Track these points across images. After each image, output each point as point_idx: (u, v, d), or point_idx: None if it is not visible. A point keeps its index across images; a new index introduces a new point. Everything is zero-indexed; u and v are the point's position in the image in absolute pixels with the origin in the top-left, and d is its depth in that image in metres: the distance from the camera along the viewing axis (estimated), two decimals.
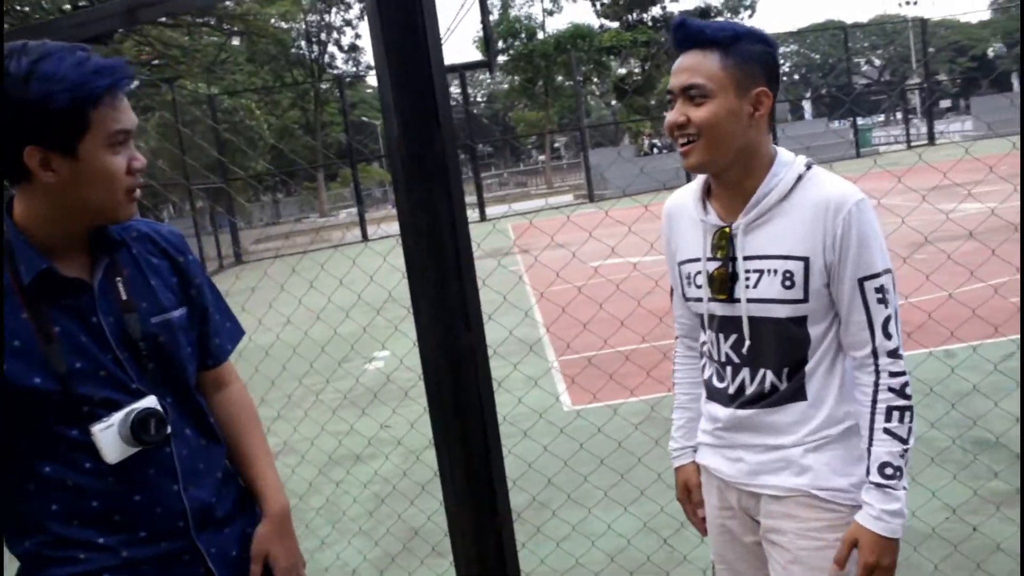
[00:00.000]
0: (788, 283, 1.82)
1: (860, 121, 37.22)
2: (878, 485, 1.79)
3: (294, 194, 53.87)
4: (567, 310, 5.52)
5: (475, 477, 2.09)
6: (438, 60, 2.14)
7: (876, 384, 1.82)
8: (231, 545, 1.80)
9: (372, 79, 60.70)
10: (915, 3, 69.19)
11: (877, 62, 75.31)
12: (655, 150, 36.85)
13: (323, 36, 50.59)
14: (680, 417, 2.23)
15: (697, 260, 1.97)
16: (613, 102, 55.32)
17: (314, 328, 5.43)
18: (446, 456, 2.11)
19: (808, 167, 1.87)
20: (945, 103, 71.09)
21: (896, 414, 1.80)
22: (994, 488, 3.96)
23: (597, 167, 32.35)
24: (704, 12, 45.51)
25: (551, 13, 48.28)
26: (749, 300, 1.87)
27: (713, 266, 1.92)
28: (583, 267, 6.84)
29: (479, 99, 71.88)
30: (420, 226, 2.11)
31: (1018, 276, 7.43)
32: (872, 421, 1.82)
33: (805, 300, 1.82)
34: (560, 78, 46.60)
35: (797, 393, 1.89)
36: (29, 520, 1.63)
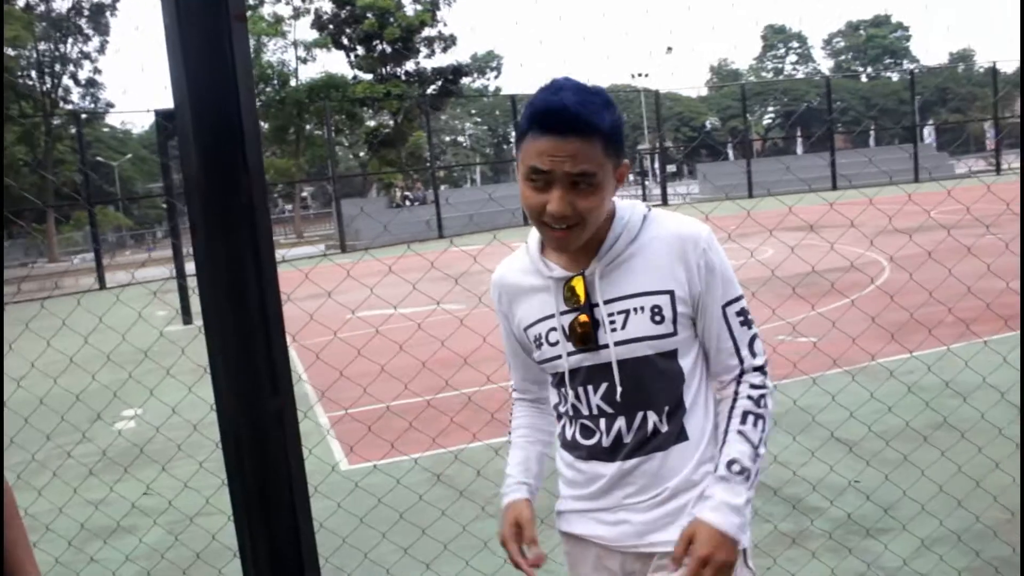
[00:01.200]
0: (658, 318, 1.82)
1: None
2: (722, 478, 1.79)
3: (18, 236, 49.61)
4: (331, 365, 5.29)
5: (282, 562, 1.87)
6: (248, 97, 1.94)
7: (735, 393, 1.86)
8: None
9: (111, 117, 57.34)
10: (646, 75, 74.61)
11: None
12: (407, 202, 37.11)
13: (57, 67, 47.25)
14: (516, 455, 2.10)
15: (548, 318, 1.91)
16: (362, 153, 55.35)
17: (54, 385, 4.85)
18: (248, 538, 1.87)
19: (648, 208, 1.90)
20: (671, 168, 77.14)
21: (751, 418, 1.83)
22: (784, 528, 4.21)
23: (348, 217, 32.14)
24: (456, 69, 46.57)
25: (304, 61, 47.64)
26: (617, 343, 1.83)
27: (569, 318, 1.87)
28: (342, 318, 6.63)
29: None
30: (220, 279, 1.88)
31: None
32: (728, 424, 1.84)
33: (674, 333, 1.83)
34: (309, 127, 46.13)
35: (680, 434, 1.86)
36: None
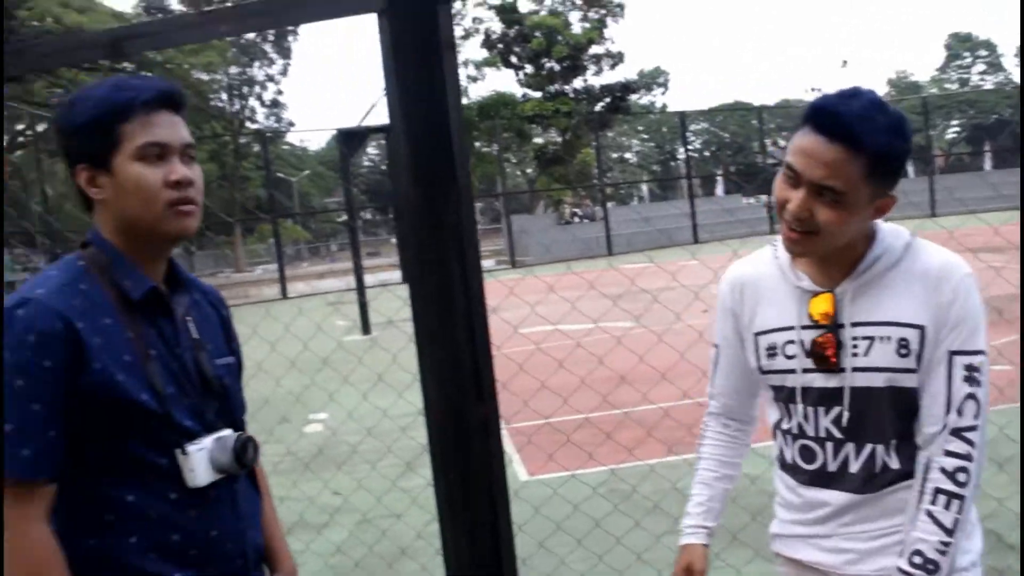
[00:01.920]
0: (904, 351, 1.72)
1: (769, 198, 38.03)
2: (903, 572, 1.68)
3: (207, 248, 52.97)
4: (533, 376, 5.41)
5: (482, 562, 1.94)
6: (457, 116, 2.03)
7: (927, 464, 1.71)
8: None
9: (291, 136, 60.35)
10: (820, 90, 72.10)
11: (782, 143, 78.37)
12: (576, 219, 37.32)
13: (244, 89, 50.20)
14: (701, 494, 2.06)
15: (787, 329, 1.83)
16: (529, 170, 56.01)
17: (251, 386, 5.18)
18: (450, 537, 1.96)
19: (912, 236, 1.81)
20: None
21: (943, 499, 1.67)
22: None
23: (518, 233, 32.63)
24: (625, 86, 46.53)
25: (475, 80, 48.80)
26: (856, 369, 1.75)
27: (811, 334, 1.80)
28: (519, 332, 6.75)
29: None
30: (430, 290, 1.98)
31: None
32: (919, 500, 1.70)
33: (916, 370, 1.73)
34: (479, 144, 47.04)
35: (909, 474, 1.78)
36: (102, 554, 1.57)
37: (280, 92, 57.67)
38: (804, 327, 1.81)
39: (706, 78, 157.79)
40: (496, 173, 39.02)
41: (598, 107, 45.80)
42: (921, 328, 1.72)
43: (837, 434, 1.80)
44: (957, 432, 1.69)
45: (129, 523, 1.57)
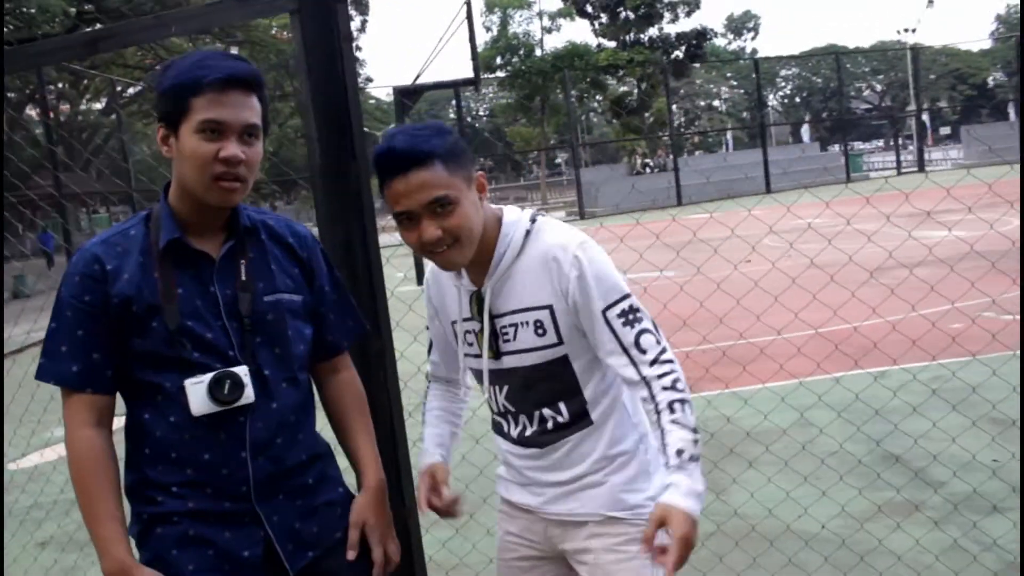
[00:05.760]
0: (540, 331, 1.95)
1: (861, 146, 36.85)
2: (679, 467, 1.83)
3: (293, 203, 54.16)
4: None
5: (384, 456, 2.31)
6: (355, 103, 2.44)
7: (651, 393, 1.89)
8: (296, 517, 1.92)
9: (372, 89, 61.05)
10: (913, 31, 69.07)
11: (878, 87, 75.19)
12: (647, 169, 37.17)
13: None
14: (432, 428, 2.26)
15: (467, 320, 2.08)
16: (615, 120, 55.79)
17: None
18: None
19: (533, 220, 2.00)
20: (945, 131, 71.08)
21: (678, 406, 1.86)
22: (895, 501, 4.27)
23: (591, 184, 32.70)
24: (700, 33, 45.52)
25: (549, 31, 48.65)
26: (508, 353, 2.00)
27: (473, 326, 2.05)
28: None
29: (482, 113, 72.21)
30: (336, 242, 2.41)
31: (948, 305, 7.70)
32: (660, 421, 1.87)
33: (560, 343, 1.95)
34: (560, 94, 46.95)
35: (582, 419, 2.01)
36: (131, 458, 1.89)
37: (359, 48, 58.13)
38: (465, 319, 2.07)
39: (800, 21, 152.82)
40: (571, 124, 38.92)
41: (674, 55, 45.10)
42: (549, 307, 1.94)
43: (511, 408, 2.06)
44: (653, 362, 1.90)
45: (143, 437, 1.85)
